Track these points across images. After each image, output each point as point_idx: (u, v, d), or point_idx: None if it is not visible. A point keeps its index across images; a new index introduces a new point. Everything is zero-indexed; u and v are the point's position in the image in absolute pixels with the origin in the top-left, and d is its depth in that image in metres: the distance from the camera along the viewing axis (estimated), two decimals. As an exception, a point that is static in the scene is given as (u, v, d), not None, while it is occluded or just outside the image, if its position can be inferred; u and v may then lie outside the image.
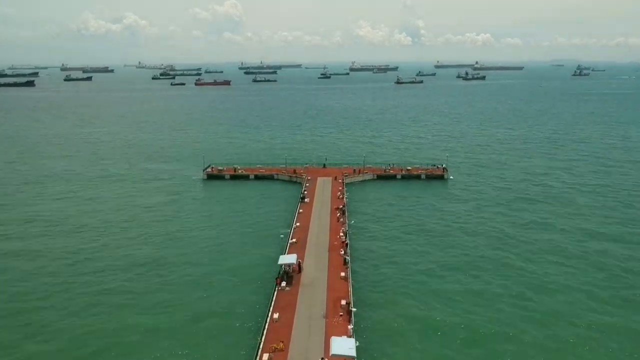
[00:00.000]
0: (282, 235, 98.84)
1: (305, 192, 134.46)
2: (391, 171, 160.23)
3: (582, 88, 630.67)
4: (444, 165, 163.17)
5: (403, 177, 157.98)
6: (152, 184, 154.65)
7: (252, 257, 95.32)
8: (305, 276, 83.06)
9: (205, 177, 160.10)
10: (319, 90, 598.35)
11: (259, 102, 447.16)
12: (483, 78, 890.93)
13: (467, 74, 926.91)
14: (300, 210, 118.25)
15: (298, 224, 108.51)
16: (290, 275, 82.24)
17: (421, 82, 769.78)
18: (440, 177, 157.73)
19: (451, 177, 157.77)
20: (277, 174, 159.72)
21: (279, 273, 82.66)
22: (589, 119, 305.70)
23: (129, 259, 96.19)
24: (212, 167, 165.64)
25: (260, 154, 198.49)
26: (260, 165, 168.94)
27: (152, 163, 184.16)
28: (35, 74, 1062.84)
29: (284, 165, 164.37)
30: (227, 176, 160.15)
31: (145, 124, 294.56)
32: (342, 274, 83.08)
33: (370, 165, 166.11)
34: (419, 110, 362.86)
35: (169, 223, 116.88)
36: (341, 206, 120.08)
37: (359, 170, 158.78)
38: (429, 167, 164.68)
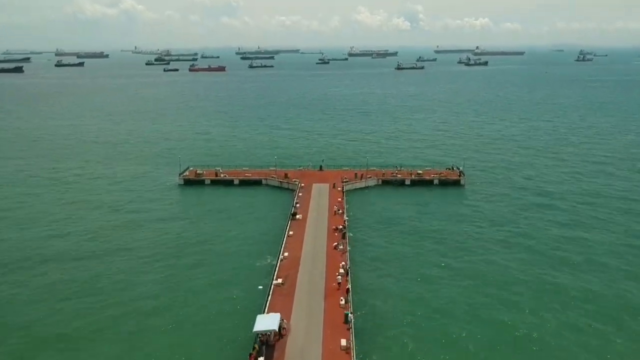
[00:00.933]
0: (260, 287, 75.03)
1: (298, 205, 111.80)
2: (398, 175, 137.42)
3: (589, 74, 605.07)
4: (460, 169, 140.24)
5: (412, 183, 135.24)
6: (113, 192, 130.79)
7: (220, 314, 71.41)
8: (292, 345, 60.57)
9: (182, 182, 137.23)
10: (317, 77, 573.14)
11: (253, 89, 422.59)
12: (485, 64, 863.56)
13: (469, 59, 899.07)
14: (291, 233, 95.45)
15: (286, 254, 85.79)
16: (270, 344, 59.71)
17: (422, 67, 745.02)
18: (456, 183, 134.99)
19: (469, 184, 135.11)
20: (266, 179, 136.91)
21: (255, 342, 60.08)
22: (606, 111, 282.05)
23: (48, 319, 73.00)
24: (191, 170, 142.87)
25: (248, 152, 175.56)
26: (247, 168, 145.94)
27: (120, 164, 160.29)
28: (27, 60, 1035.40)
29: (274, 168, 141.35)
30: (208, 181, 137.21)
31: (123, 115, 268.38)
32: (343, 342, 60.58)
33: (374, 168, 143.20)
34: (424, 100, 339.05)
35: (117, 258, 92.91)
36: (340, 227, 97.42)
37: (361, 175, 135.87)
38: (443, 170, 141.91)
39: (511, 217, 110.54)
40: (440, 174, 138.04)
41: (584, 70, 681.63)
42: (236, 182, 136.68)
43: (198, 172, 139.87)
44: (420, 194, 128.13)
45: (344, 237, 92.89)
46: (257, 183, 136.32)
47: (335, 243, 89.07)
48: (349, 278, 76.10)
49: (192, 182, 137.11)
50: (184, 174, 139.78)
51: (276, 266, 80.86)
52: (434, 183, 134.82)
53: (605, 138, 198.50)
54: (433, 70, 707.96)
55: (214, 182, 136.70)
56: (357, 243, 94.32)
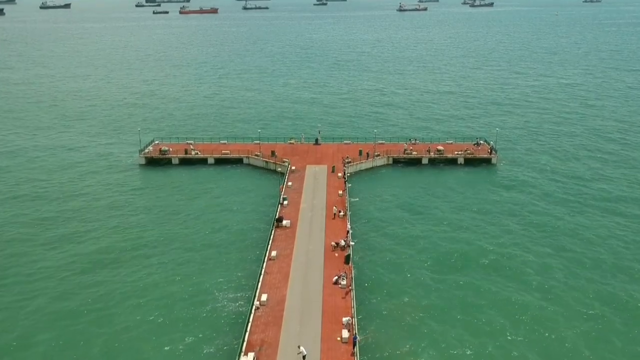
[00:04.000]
0: None
1: (285, 202, 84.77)
2: (413, 151, 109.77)
3: (603, 17, 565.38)
4: (491, 143, 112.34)
5: (430, 162, 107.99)
6: (49, 173, 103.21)
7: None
8: None
9: (144, 161, 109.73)
10: (314, 20, 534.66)
11: (243, 35, 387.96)
12: (491, 5, 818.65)
13: (473, 0, 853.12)
14: (273, 254, 68.55)
15: (265, 296, 59.16)
16: None
17: (425, 9, 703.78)
18: (486, 162, 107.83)
19: (502, 162, 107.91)
20: (248, 157, 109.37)
21: None
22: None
23: None
24: (155, 145, 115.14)
25: (227, 117, 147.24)
26: (225, 141, 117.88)
27: (66, 134, 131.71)
28: (12, 1, 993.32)
29: (258, 142, 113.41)
30: (176, 160, 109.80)
31: (83, 68, 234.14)
32: None
33: (382, 141, 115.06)
34: (432, 48, 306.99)
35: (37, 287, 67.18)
36: (342, 242, 70.62)
37: (367, 152, 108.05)
38: (468, 144, 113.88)
39: (570, 206, 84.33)
40: (466, 150, 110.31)
41: (596, 13, 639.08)
42: (211, 161, 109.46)
43: (163, 148, 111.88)
44: (442, 177, 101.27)
45: (347, 261, 66.34)
46: (236, 162, 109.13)
47: (336, 277, 62.32)
48: (356, 351, 49.78)
49: (156, 162, 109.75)
50: (146, 150, 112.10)
51: (247, 324, 54.23)
52: (458, 162, 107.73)
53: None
54: (437, 12, 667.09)
55: (183, 162, 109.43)
56: (364, 270, 67.71)
